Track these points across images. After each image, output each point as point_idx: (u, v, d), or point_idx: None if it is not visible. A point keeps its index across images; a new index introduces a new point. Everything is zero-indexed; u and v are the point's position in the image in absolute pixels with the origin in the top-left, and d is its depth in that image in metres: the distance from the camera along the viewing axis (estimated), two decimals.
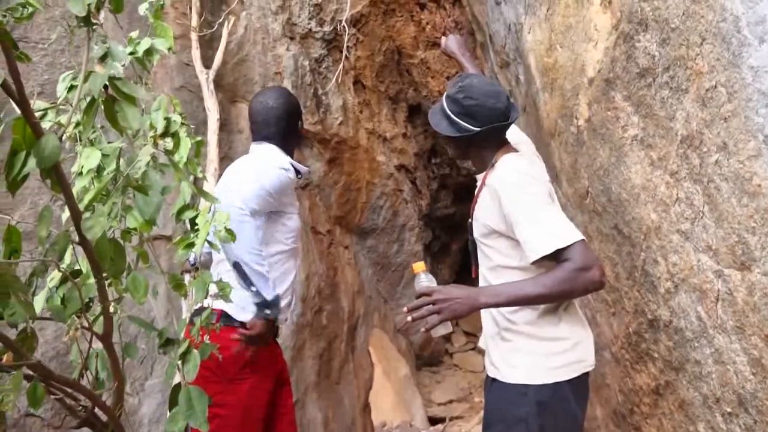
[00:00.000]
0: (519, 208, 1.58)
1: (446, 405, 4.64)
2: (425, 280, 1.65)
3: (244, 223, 1.89)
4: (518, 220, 1.58)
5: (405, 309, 1.60)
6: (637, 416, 2.07)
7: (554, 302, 1.62)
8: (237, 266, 1.90)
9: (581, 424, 1.70)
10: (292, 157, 2.21)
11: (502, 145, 1.79)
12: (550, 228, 1.54)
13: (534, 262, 1.56)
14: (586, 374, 1.69)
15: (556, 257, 1.52)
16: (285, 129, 2.17)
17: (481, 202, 1.75)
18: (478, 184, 1.80)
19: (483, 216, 1.72)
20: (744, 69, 1.20)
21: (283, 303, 2.05)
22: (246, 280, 1.91)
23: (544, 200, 1.61)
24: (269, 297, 1.93)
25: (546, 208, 1.59)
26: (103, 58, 0.97)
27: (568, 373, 1.63)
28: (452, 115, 1.76)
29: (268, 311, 1.95)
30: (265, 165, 2.06)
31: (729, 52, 1.24)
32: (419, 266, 1.69)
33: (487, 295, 1.58)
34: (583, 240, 1.54)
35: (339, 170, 4.15)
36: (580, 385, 1.67)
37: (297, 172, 2.17)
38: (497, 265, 1.70)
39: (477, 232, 1.76)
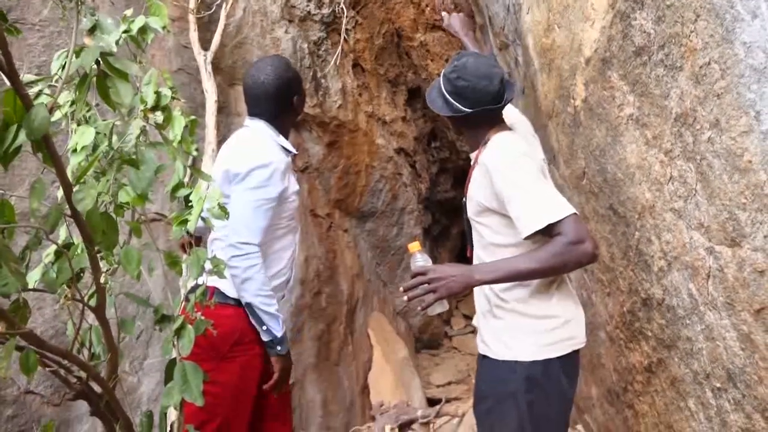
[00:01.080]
0: (510, 184, 1.59)
1: (445, 387, 4.67)
2: (421, 260, 1.66)
3: (251, 266, 1.89)
4: (510, 196, 1.58)
5: (401, 289, 1.62)
6: (630, 394, 2.09)
7: (548, 276, 1.63)
8: (248, 306, 1.93)
9: (571, 401, 1.71)
10: (286, 134, 2.13)
11: (495, 124, 1.79)
12: (542, 203, 1.54)
13: (527, 238, 1.56)
14: (577, 352, 1.71)
15: (549, 232, 1.53)
16: (275, 106, 2.06)
17: (474, 181, 1.75)
18: (472, 163, 1.80)
19: (476, 194, 1.72)
20: (737, 45, 1.20)
21: (280, 280, 2.06)
22: (257, 319, 1.93)
23: (536, 176, 1.61)
24: (278, 334, 1.95)
25: (537, 184, 1.59)
26: (92, 31, 0.97)
27: (558, 350, 1.64)
28: (446, 94, 1.77)
29: (279, 348, 1.97)
30: (247, 196, 1.92)
31: (722, 27, 1.24)
32: (415, 246, 1.70)
33: (482, 272, 1.59)
34: (575, 214, 1.54)
35: (338, 153, 4.15)
36: (570, 362, 1.68)
37: (288, 150, 2.11)
38: (490, 243, 1.71)
39: (470, 210, 1.77)
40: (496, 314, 1.71)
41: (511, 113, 2.00)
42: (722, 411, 1.43)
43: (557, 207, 1.54)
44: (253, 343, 1.95)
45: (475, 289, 1.80)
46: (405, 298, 1.61)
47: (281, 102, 2.08)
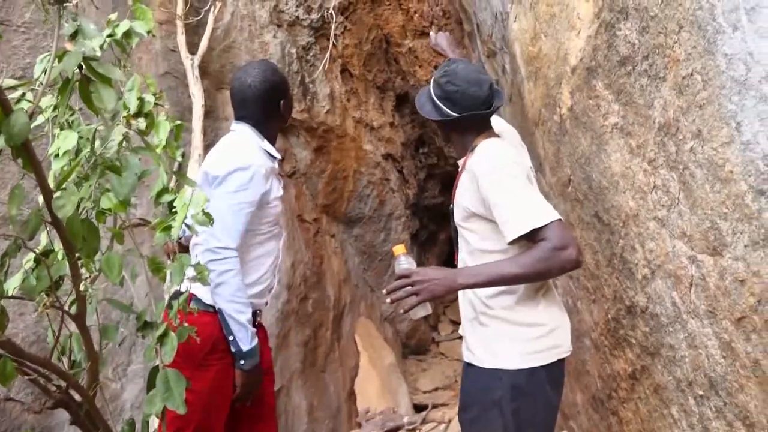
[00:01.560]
0: (496, 189, 1.59)
1: (431, 393, 4.67)
2: (405, 263, 1.66)
3: (226, 270, 1.84)
4: (496, 201, 1.59)
5: (384, 291, 1.62)
6: (614, 401, 2.09)
7: (532, 282, 1.63)
8: (220, 312, 1.88)
9: (556, 408, 1.71)
10: (273, 138, 2.10)
11: (483, 131, 1.80)
12: (527, 208, 1.55)
13: (512, 243, 1.57)
14: (562, 360, 1.71)
15: (533, 238, 1.53)
16: (261, 111, 2.04)
17: (461, 186, 1.76)
18: (459, 169, 1.81)
19: (463, 199, 1.73)
20: (718, 56, 1.21)
21: (262, 287, 2.03)
22: (226, 327, 1.88)
23: (522, 182, 1.62)
24: (244, 348, 1.88)
25: (523, 190, 1.59)
26: (73, 36, 0.96)
27: (544, 358, 1.64)
28: (435, 99, 1.77)
29: (243, 362, 1.90)
30: (226, 199, 1.88)
31: (705, 39, 1.25)
32: (399, 249, 1.71)
33: (465, 276, 1.59)
34: (560, 220, 1.55)
35: (326, 159, 4.15)
36: (556, 370, 1.68)
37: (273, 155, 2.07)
38: (477, 249, 1.72)
39: (457, 216, 1.77)
40: (482, 321, 1.71)
41: (498, 123, 2.00)
42: (704, 418, 1.44)
43: (542, 212, 1.54)
44: (228, 351, 1.91)
45: (460, 296, 1.80)
46: (388, 300, 1.61)
47: (268, 106, 2.05)
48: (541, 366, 1.63)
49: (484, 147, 1.72)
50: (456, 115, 1.73)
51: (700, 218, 1.34)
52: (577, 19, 1.95)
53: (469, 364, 1.74)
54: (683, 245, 1.44)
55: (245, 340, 1.89)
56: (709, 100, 1.26)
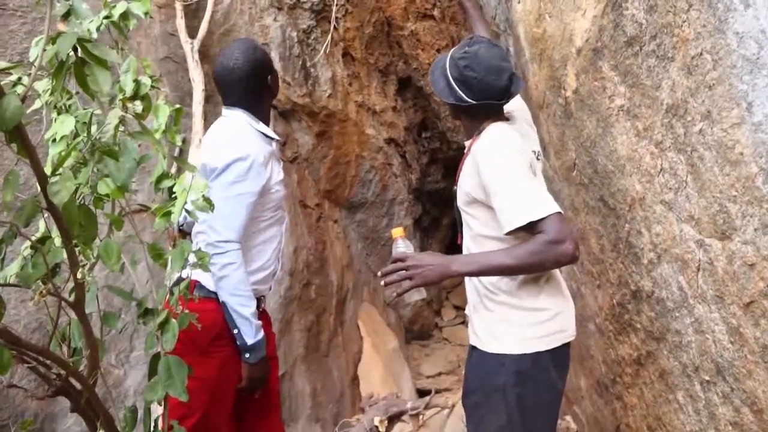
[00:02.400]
0: (497, 178, 1.57)
1: (435, 378, 4.68)
2: (402, 246, 1.66)
3: (229, 263, 1.81)
4: (495, 190, 1.57)
5: (378, 273, 1.62)
6: (619, 386, 2.09)
7: (525, 273, 1.62)
8: (224, 305, 1.86)
9: (561, 393, 1.71)
10: (266, 118, 2.04)
11: (493, 117, 1.77)
12: (526, 199, 1.53)
13: (510, 233, 1.55)
14: (567, 345, 1.70)
15: (531, 229, 1.51)
16: (250, 91, 1.97)
17: (464, 170, 1.73)
18: (465, 151, 1.78)
19: (465, 184, 1.70)
20: (729, 35, 1.18)
21: (265, 273, 2.01)
22: (230, 320, 1.86)
23: (523, 172, 1.59)
24: (248, 341, 1.86)
25: (524, 180, 1.57)
26: (66, 16, 0.94)
27: (548, 343, 1.63)
28: (451, 79, 1.72)
29: (248, 355, 1.88)
30: (226, 191, 1.83)
31: (715, 17, 1.22)
32: (398, 231, 1.70)
33: (459, 263, 1.59)
34: (559, 213, 1.53)
35: (328, 144, 4.12)
36: (560, 355, 1.67)
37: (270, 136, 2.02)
38: (478, 234, 1.70)
39: (460, 200, 1.75)
40: (487, 306, 1.70)
41: (513, 100, 1.96)
42: (711, 404, 1.43)
43: (541, 204, 1.52)
44: (234, 339, 1.89)
45: (466, 281, 1.79)
46: (382, 282, 1.61)
47: (255, 84, 1.99)
48: (545, 350, 1.63)
49: (490, 131, 1.69)
50: (470, 101, 1.70)
51: (708, 201, 1.32)
52: None
53: (474, 348, 1.74)
54: (690, 229, 1.42)
55: (250, 333, 1.86)
56: (719, 80, 1.22)
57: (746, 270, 1.21)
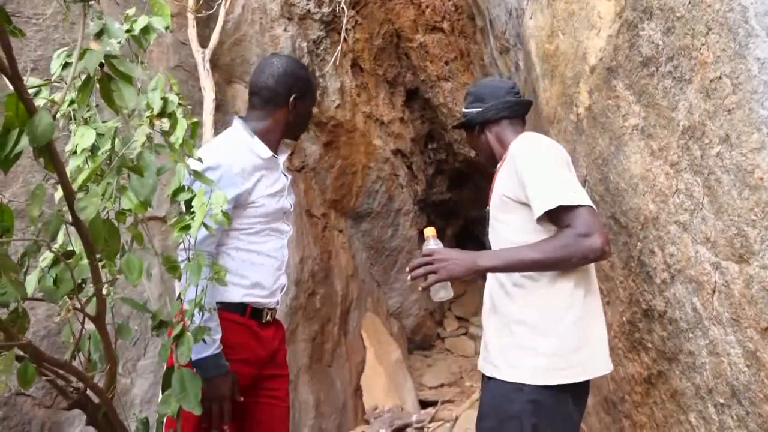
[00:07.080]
0: (533, 168, 1.57)
1: (437, 389, 4.67)
2: (432, 244, 1.66)
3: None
4: (530, 179, 1.56)
5: (406, 269, 1.62)
6: (627, 404, 2.08)
7: (553, 269, 1.56)
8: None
9: (578, 425, 1.63)
10: (273, 138, 1.92)
11: (517, 125, 1.84)
12: (559, 186, 1.52)
13: (539, 221, 1.54)
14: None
15: (561, 222, 1.51)
16: (269, 100, 1.90)
17: (500, 176, 1.72)
18: (497, 167, 1.79)
19: (501, 186, 1.69)
20: (750, 60, 1.19)
21: (266, 289, 1.88)
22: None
23: (559, 163, 1.59)
24: (193, 356, 1.62)
25: (559, 170, 1.56)
26: (99, 35, 0.95)
27: (570, 376, 1.55)
28: (465, 111, 1.90)
29: (197, 369, 1.65)
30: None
31: (735, 42, 1.22)
32: (430, 230, 1.71)
33: (485, 258, 1.57)
34: (590, 206, 1.51)
35: (335, 154, 4.13)
36: (581, 387, 1.60)
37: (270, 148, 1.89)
38: (506, 240, 1.66)
39: (494, 208, 1.72)
40: (512, 329, 1.63)
41: None
42: (725, 427, 1.43)
43: (573, 193, 1.51)
44: (229, 348, 1.76)
45: (485, 298, 1.76)
46: (409, 277, 1.60)
47: (275, 96, 1.90)
48: (568, 384, 1.55)
49: (525, 135, 1.72)
50: (487, 104, 1.83)
51: (725, 224, 1.32)
52: (597, 18, 1.93)
53: (491, 378, 1.65)
54: (706, 251, 1.42)
55: (195, 348, 1.60)
56: (738, 105, 1.23)
57: (764, 294, 1.21)
